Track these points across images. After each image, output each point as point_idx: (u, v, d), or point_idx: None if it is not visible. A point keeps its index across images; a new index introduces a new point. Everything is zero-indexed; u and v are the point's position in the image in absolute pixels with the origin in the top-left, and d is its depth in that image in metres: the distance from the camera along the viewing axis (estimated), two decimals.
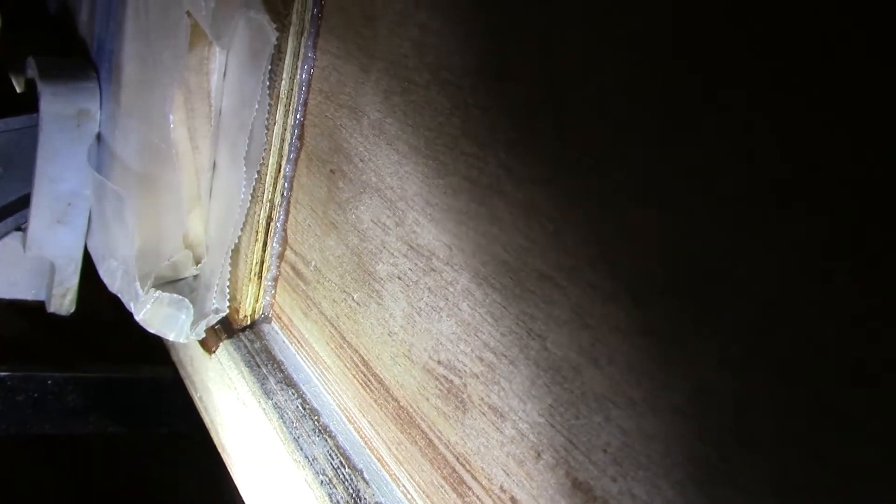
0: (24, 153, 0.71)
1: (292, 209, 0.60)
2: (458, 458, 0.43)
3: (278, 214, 0.61)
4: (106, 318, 0.76)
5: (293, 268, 0.60)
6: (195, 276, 0.69)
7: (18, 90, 0.80)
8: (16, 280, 0.74)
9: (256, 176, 0.60)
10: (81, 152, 0.70)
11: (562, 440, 0.36)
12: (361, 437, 0.51)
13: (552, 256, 0.37)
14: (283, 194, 0.60)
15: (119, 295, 0.65)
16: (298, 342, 0.59)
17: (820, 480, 0.26)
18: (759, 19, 0.28)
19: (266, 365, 0.59)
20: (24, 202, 0.72)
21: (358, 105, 0.52)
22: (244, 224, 0.61)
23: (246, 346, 0.61)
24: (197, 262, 0.68)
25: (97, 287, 0.73)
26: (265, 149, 0.59)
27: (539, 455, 0.37)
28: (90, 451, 0.87)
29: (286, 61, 0.57)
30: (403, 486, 0.47)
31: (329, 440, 0.52)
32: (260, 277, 0.62)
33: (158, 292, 0.62)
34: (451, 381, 0.43)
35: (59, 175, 0.70)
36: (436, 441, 0.44)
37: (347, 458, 0.51)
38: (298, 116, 0.59)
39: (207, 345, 0.64)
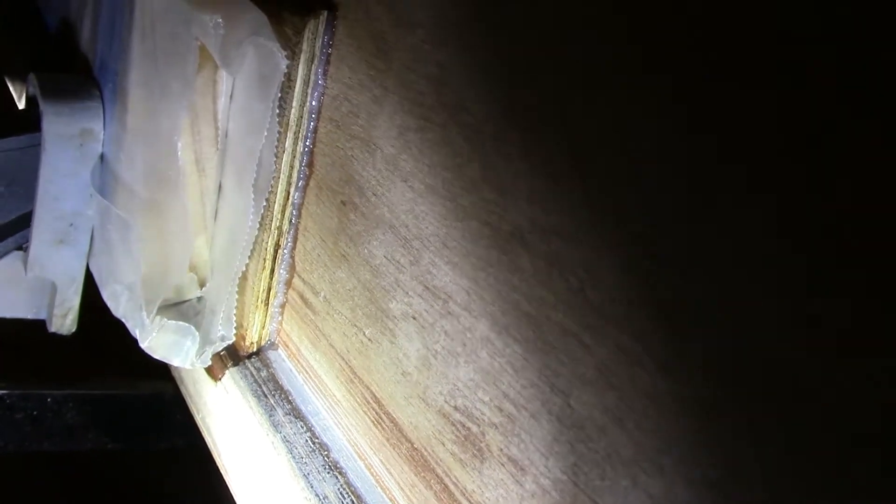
0: (26, 172, 0.70)
1: (301, 236, 0.60)
2: None
3: (286, 241, 0.60)
4: (105, 333, 0.75)
5: (301, 296, 0.59)
6: (199, 298, 0.68)
7: (20, 106, 0.79)
8: (16, 299, 0.73)
9: (265, 203, 0.59)
10: (84, 172, 0.69)
11: (585, 500, 0.36)
12: (373, 475, 0.51)
13: (576, 313, 0.36)
14: (291, 221, 0.60)
15: (123, 320, 0.64)
16: (306, 372, 0.59)
17: None
18: None
19: (273, 395, 0.59)
20: (24, 221, 0.71)
21: (371, 137, 0.51)
22: (251, 251, 0.61)
23: (252, 375, 0.61)
24: (201, 285, 0.68)
25: (95, 302, 0.72)
26: (274, 176, 0.58)
27: None
28: (89, 468, 0.87)
29: (296, 88, 0.57)
30: None
31: (340, 478, 0.51)
32: (267, 304, 0.61)
33: (164, 320, 0.61)
34: (469, 429, 0.43)
35: (62, 195, 0.69)
36: (452, 487, 0.44)
37: (359, 498, 0.50)
38: (308, 143, 0.58)
39: (213, 372, 0.64)
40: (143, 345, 0.61)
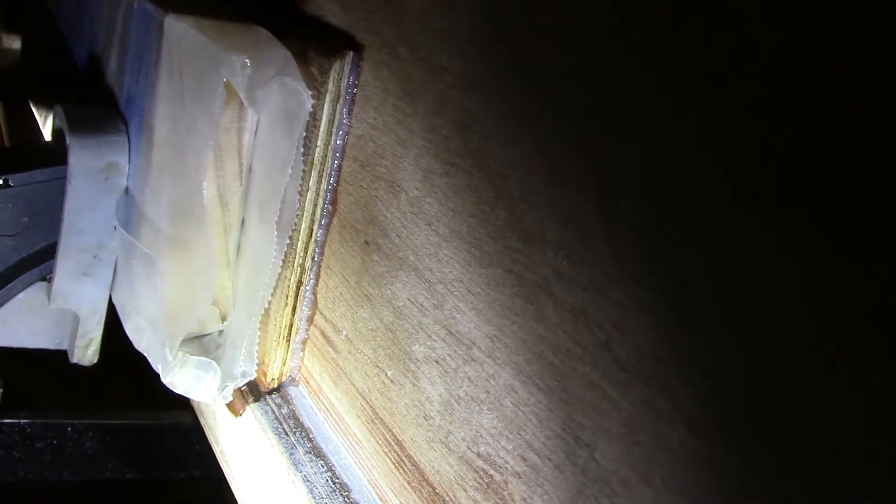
0: (51, 204, 0.70)
1: (323, 274, 0.60)
2: None
3: (308, 279, 0.60)
4: (126, 364, 0.75)
5: (323, 333, 0.59)
6: (220, 332, 0.68)
7: (46, 137, 0.79)
8: (39, 329, 0.74)
9: (288, 240, 0.59)
10: (109, 205, 0.69)
11: None
12: None
13: (602, 366, 0.36)
14: (314, 258, 0.60)
15: (146, 354, 0.64)
16: (327, 410, 0.59)
17: None
18: None
19: (294, 433, 0.59)
20: (48, 253, 0.72)
21: (395, 179, 0.52)
22: (274, 287, 0.61)
23: (273, 412, 0.61)
24: (223, 319, 0.68)
25: (117, 333, 0.73)
26: (297, 213, 0.59)
27: None
28: (108, 498, 0.87)
29: (321, 127, 0.57)
30: None
31: None
32: (288, 341, 0.62)
33: (187, 355, 0.61)
34: (491, 476, 0.43)
35: (87, 227, 0.69)
36: None
37: None
38: (332, 182, 0.58)
39: (234, 407, 0.64)
40: (165, 380, 0.62)
